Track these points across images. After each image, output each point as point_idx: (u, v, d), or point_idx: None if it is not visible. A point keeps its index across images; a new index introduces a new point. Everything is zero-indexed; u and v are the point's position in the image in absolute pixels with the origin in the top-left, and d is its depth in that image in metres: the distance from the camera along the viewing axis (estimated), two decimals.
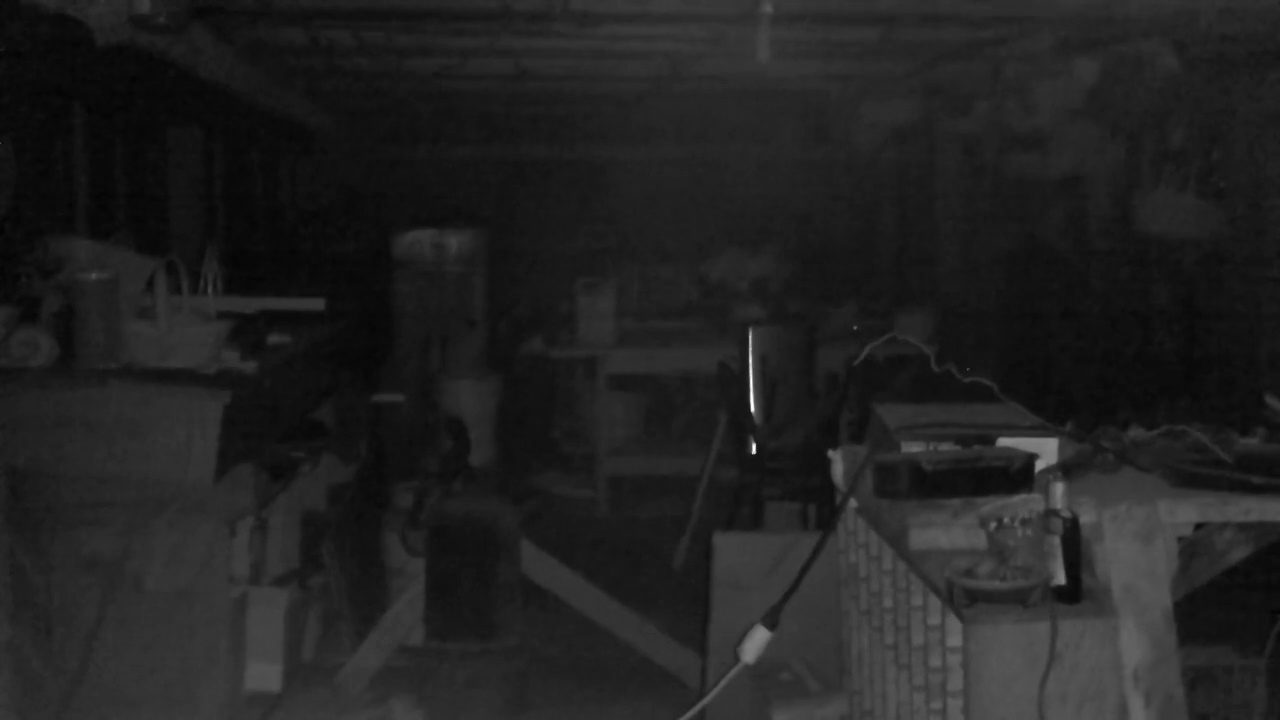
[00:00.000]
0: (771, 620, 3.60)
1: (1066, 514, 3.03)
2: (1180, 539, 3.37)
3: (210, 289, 5.72)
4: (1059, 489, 3.06)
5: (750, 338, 7.91)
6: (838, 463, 3.88)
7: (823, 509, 6.47)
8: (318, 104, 10.22)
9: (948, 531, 3.27)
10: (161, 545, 4.61)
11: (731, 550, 4.45)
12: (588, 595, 5.66)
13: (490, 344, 9.87)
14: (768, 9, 6.26)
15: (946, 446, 3.47)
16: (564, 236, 11.23)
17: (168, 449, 4.59)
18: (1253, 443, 3.83)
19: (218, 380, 4.79)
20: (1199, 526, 3.82)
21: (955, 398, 3.89)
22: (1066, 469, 3.40)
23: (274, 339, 5.67)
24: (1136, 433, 3.80)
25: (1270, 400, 3.83)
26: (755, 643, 3.59)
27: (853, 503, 3.81)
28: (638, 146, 11.27)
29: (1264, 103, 7.75)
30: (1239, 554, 3.96)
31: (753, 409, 7.67)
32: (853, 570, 4.01)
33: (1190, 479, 3.40)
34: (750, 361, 7.78)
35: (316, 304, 6.39)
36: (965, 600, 3.01)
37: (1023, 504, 3.16)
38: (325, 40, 7.58)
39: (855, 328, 9.03)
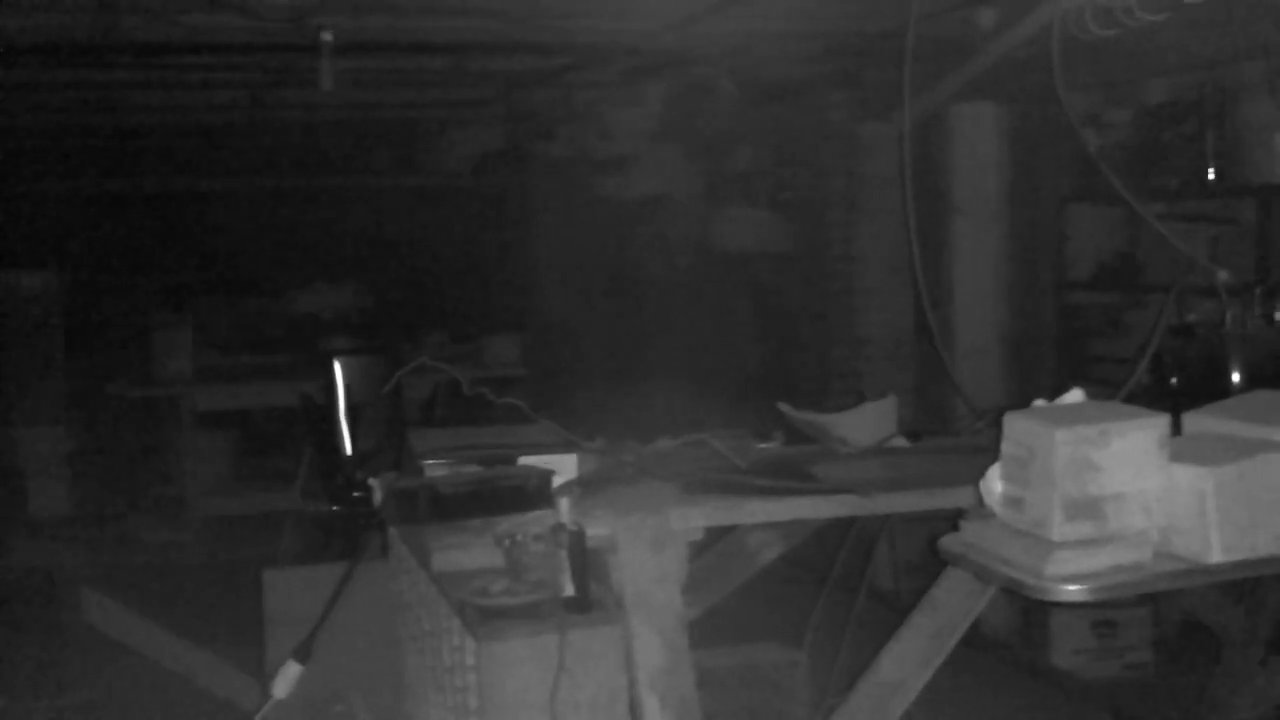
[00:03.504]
0: (303, 654, 3.57)
1: (573, 527, 3.11)
2: (692, 544, 3.48)
3: None
4: (565, 503, 3.14)
5: (336, 369, 7.81)
6: (377, 490, 3.88)
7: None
8: None
9: (469, 552, 3.32)
10: None
11: (281, 586, 4.39)
12: (156, 640, 5.48)
13: (70, 386, 9.46)
14: (328, 38, 6.23)
15: (471, 468, 3.52)
16: (148, 271, 10.87)
17: None
18: (771, 448, 4.02)
19: None
20: (731, 530, 4.00)
21: (494, 420, 3.96)
22: (585, 483, 3.50)
23: None
24: (662, 444, 3.94)
25: (782, 407, 4.03)
26: (287, 678, 3.56)
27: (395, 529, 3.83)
28: (226, 178, 11.03)
29: (822, 124, 8.18)
30: (771, 553, 4.16)
31: (340, 440, 7.58)
32: (400, 596, 4.02)
33: (701, 486, 3.54)
34: (336, 393, 7.69)
35: None
36: (478, 618, 3.06)
37: (536, 520, 3.24)
38: None
39: (424, 358, 9.03)
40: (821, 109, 7.97)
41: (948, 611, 3.35)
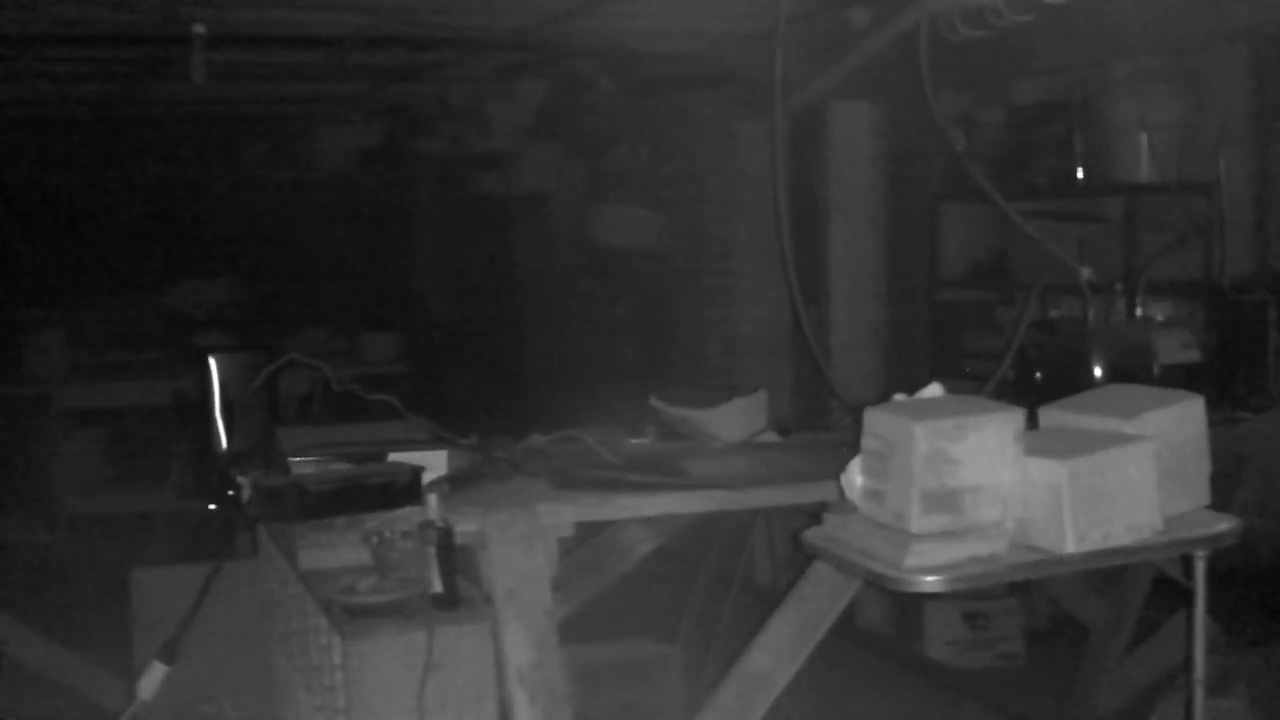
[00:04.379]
0: (168, 655, 3.52)
1: (441, 523, 3.09)
2: (565, 540, 3.48)
3: None
4: (433, 500, 3.13)
5: (211, 366, 7.70)
6: (247, 488, 3.83)
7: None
8: None
9: (336, 550, 3.29)
10: None
11: (149, 586, 4.32)
12: (23, 639, 5.36)
13: None
14: (200, 30, 6.15)
15: (339, 465, 3.49)
16: (17, 268, 10.62)
17: None
18: (643, 443, 4.04)
19: None
20: (605, 526, 4.01)
21: (369, 417, 3.93)
22: (455, 479, 3.48)
23: None
24: (534, 440, 3.94)
25: (655, 403, 4.04)
26: (152, 679, 3.50)
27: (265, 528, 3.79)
28: (96, 171, 10.81)
29: (700, 121, 8.22)
30: (645, 549, 4.18)
31: (215, 438, 7.48)
32: (270, 596, 3.98)
33: (572, 481, 3.54)
34: (211, 390, 7.58)
35: None
36: (345, 617, 3.03)
37: (404, 517, 3.22)
38: None
39: (293, 355, 8.93)
40: (699, 106, 8.01)
41: (815, 604, 3.38)
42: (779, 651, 3.43)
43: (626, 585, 4.36)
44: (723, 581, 4.73)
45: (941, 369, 7.22)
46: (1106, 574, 5.11)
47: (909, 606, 6.35)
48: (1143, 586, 4.81)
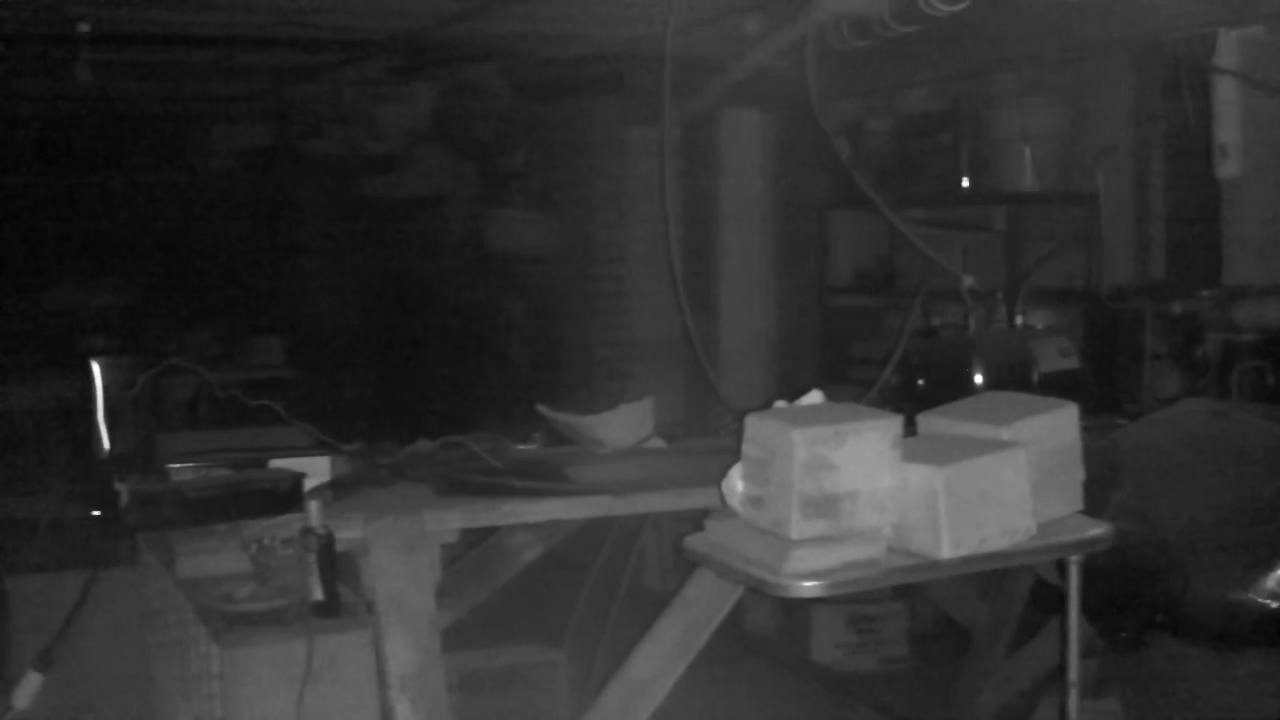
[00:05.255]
0: (44, 663, 3.46)
1: (322, 530, 3.07)
2: (449, 546, 3.47)
3: None
4: (314, 506, 3.10)
5: (94, 370, 7.57)
6: (124, 495, 3.78)
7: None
8: None
9: (216, 557, 3.26)
10: None
11: (27, 593, 4.23)
12: None
13: None
14: (84, 28, 6.06)
15: (220, 471, 3.45)
16: None
17: None
18: (529, 449, 4.04)
19: None
20: (491, 532, 4.00)
21: (253, 422, 3.89)
22: (337, 486, 3.46)
23: None
24: (419, 446, 3.92)
25: (541, 409, 4.04)
26: (28, 688, 3.44)
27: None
28: None
29: (591, 126, 8.23)
30: (532, 554, 4.17)
31: (97, 444, 7.35)
32: (149, 603, 3.92)
33: (457, 487, 3.53)
34: (93, 395, 7.45)
35: None
36: (223, 625, 3.00)
37: (285, 524, 3.19)
38: None
39: (171, 360, 8.82)
40: (591, 112, 8.02)
41: (699, 609, 3.40)
42: (663, 657, 3.45)
43: (514, 591, 4.35)
44: (612, 587, 4.73)
45: (831, 375, 7.30)
46: (988, 578, 5.20)
47: (796, 611, 6.40)
48: (1023, 591, 4.88)
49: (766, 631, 6.60)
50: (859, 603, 6.27)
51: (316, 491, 3.33)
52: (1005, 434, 2.83)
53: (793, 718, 5.76)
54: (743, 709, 5.71)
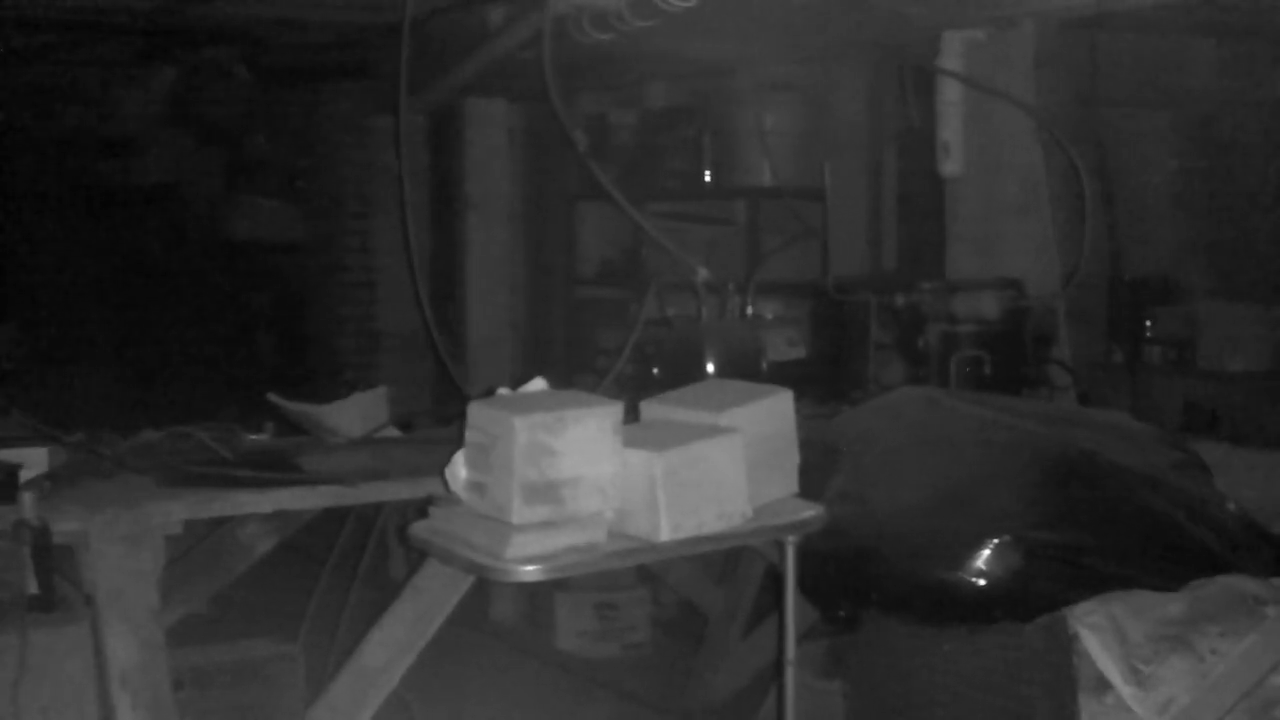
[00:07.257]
0: None
1: (36, 523, 2.99)
2: (169, 537, 3.39)
3: None
4: (28, 498, 3.03)
5: None
6: None
7: None
8: None
9: None
10: None
11: None
12: None
13: None
14: None
15: None
16: None
17: None
18: (260, 439, 3.98)
19: None
20: (222, 523, 3.93)
21: None
22: (55, 477, 3.37)
23: None
24: (145, 436, 3.84)
25: (273, 398, 3.99)
26: None
27: None
28: None
29: (335, 113, 8.14)
30: (265, 546, 4.11)
31: None
32: None
33: (181, 479, 3.46)
34: None
35: None
36: None
37: None
38: None
39: None
40: (335, 99, 7.93)
41: (429, 597, 3.41)
42: (393, 645, 3.45)
43: (249, 585, 4.29)
44: (350, 578, 4.70)
45: (577, 364, 7.37)
46: (724, 564, 5.32)
47: (541, 599, 6.44)
48: (756, 576, 5.01)
49: (512, 620, 6.63)
50: (602, 590, 6.34)
51: (33, 483, 3.24)
52: (722, 420, 2.91)
53: (534, 704, 5.79)
54: (484, 696, 5.73)
